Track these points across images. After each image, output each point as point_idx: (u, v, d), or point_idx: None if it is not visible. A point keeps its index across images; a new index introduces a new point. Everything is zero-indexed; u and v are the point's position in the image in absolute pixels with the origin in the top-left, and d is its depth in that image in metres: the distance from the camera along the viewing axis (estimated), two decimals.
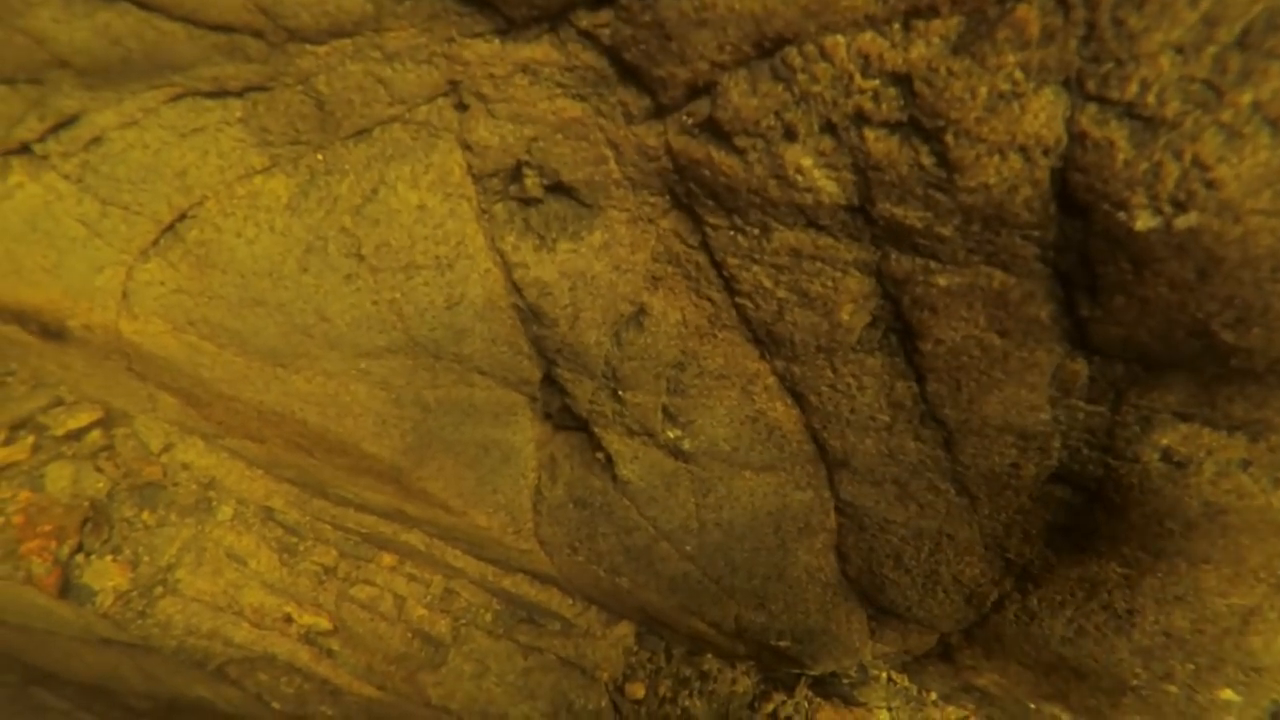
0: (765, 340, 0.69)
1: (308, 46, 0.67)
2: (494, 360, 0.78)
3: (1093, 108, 0.49)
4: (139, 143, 0.74)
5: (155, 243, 0.81)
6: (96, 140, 0.74)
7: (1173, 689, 0.83)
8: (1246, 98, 0.45)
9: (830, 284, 0.63)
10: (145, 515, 1.05)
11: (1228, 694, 0.81)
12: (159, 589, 1.02)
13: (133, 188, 0.76)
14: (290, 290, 0.78)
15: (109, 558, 1.01)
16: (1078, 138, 0.50)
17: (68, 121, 0.72)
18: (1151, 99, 0.47)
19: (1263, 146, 0.45)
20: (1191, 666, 0.80)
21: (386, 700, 1.02)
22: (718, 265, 0.66)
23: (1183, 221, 0.49)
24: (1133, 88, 0.48)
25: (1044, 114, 0.50)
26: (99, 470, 1.03)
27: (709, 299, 0.69)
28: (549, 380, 0.80)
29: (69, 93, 0.69)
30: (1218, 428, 0.64)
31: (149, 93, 0.71)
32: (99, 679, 0.73)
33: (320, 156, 0.74)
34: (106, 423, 1.05)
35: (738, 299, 0.67)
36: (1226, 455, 0.64)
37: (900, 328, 0.64)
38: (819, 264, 0.62)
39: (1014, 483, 0.73)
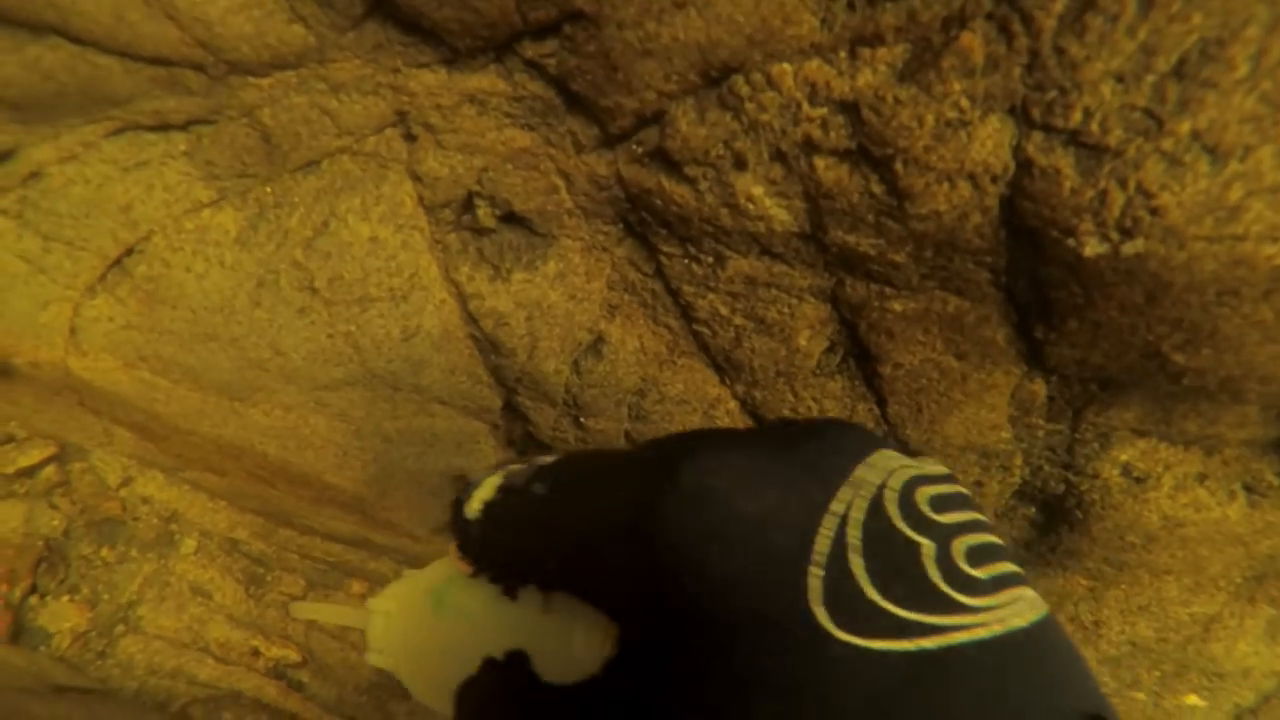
0: (725, 366, 0.68)
1: (250, 79, 0.65)
2: (454, 390, 0.77)
3: (1038, 135, 0.49)
4: (79, 177, 0.72)
5: (102, 278, 0.79)
6: (34, 175, 0.72)
7: (1140, 696, 0.84)
8: (1185, 126, 0.45)
9: (786, 310, 0.63)
10: (104, 552, 1.03)
11: (1193, 699, 0.82)
12: (120, 628, 1.00)
13: (75, 223, 0.74)
14: (243, 325, 0.76)
15: (65, 598, 0.98)
16: (1025, 165, 0.50)
17: (2, 157, 0.70)
18: (1095, 127, 0.47)
19: (1202, 175, 0.45)
20: (1157, 674, 0.81)
21: None
22: (674, 293, 0.66)
23: (1130, 248, 0.49)
24: (1076, 115, 0.48)
25: (991, 142, 0.50)
26: (54, 507, 1.01)
27: (667, 326, 0.68)
28: (510, 408, 0.79)
29: (2, 128, 0.67)
30: (1174, 443, 0.64)
31: (87, 127, 0.69)
32: None
33: (269, 189, 0.72)
34: (61, 458, 1.02)
35: (695, 326, 0.66)
36: (1184, 469, 0.65)
37: (859, 352, 0.64)
38: (774, 291, 0.62)
39: (978, 501, 0.73)
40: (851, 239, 0.57)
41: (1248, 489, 0.65)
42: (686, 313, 0.67)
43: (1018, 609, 0.25)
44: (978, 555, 0.26)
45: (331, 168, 0.70)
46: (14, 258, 0.78)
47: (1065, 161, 0.48)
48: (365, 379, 0.78)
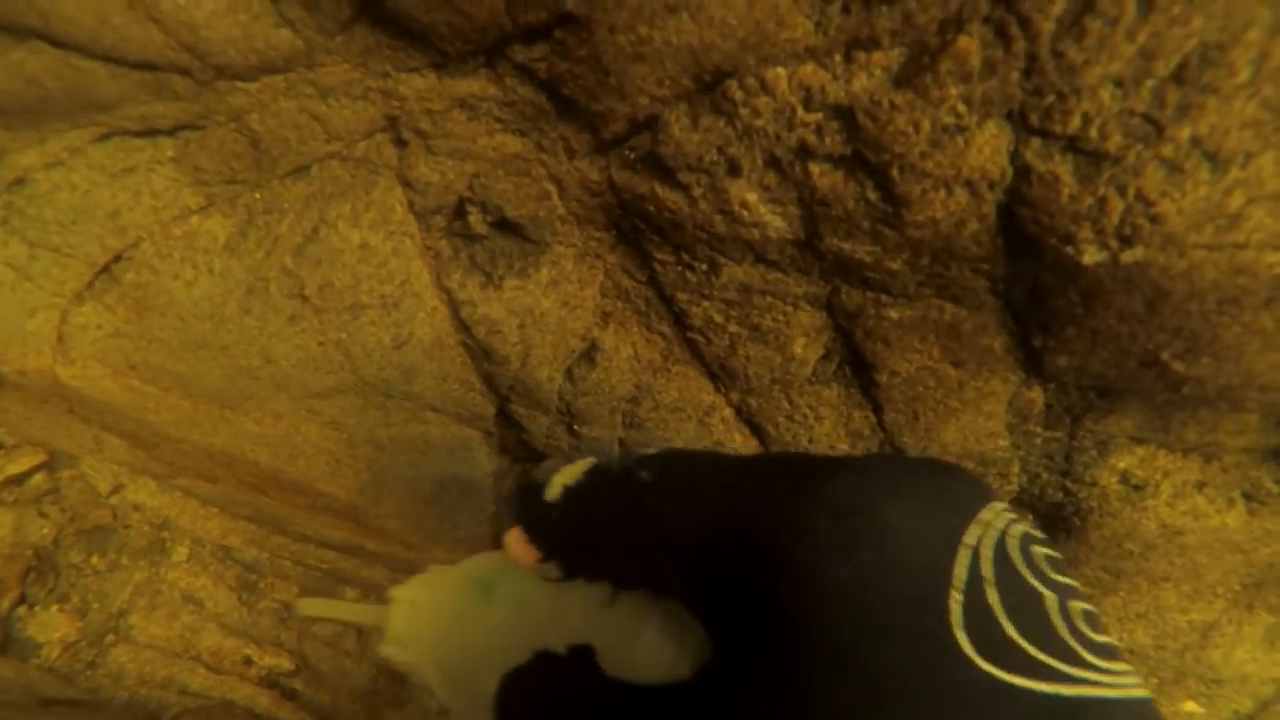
0: (720, 374, 0.68)
1: (238, 84, 0.64)
2: (446, 398, 0.76)
3: (1036, 141, 0.49)
4: (66, 183, 0.71)
5: (90, 285, 0.78)
6: (19, 181, 0.71)
7: None
8: (1185, 132, 0.44)
9: (782, 318, 0.62)
10: (95, 560, 1.02)
11: (1190, 706, 0.81)
12: (110, 637, 0.99)
13: (62, 229, 0.73)
14: (233, 332, 0.75)
15: (55, 607, 0.97)
16: (1023, 172, 0.50)
17: None
18: (1094, 133, 0.47)
19: (1203, 181, 0.45)
20: (1155, 681, 0.81)
21: None
22: (667, 300, 0.65)
23: (1129, 256, 0.48)
24: (1075, 121, 0.47)
25: (988, 148, 0.49)
26: (43, 516, 0.99)
27: (660, 334, 0.67)
28: (504, 415, 0.78)
29: None
30: (1173, 451, 0.64)
31: (73, 132, 0.68)
32: None
33: (258, 195, 0.71)
34: (50, 466, 1.01)
35: (689, 334, 0.66)
36: (1182, 477, 0.64)
37: (855, 360, 0.63)
38: (769, 299, 0.61)
39: None
40: (847, 246, 0.56)
41: (1246, 497, 0.65)
42: (680, 320, 0.66)
43: (1133, 681, 0.25)
44: (1091, 621, 0.26)
45: (321, 173, 0.69)
46: (0, 265, 0.77)
47: (1064, 168, 0.48)
48: (357, 387, 0.77)
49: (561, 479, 0.36)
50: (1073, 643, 0.25)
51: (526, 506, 0.37)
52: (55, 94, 0.65)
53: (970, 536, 0.26)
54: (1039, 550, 0.27)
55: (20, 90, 0.64)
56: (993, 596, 0.25)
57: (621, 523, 0.34)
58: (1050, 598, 0.25)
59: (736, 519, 0.30)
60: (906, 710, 0.23)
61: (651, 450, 0.35)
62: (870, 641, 0.24)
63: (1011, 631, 0.24)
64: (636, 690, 0.31)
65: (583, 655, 0.33)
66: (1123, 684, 0.24)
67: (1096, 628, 0.26)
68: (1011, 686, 0.23)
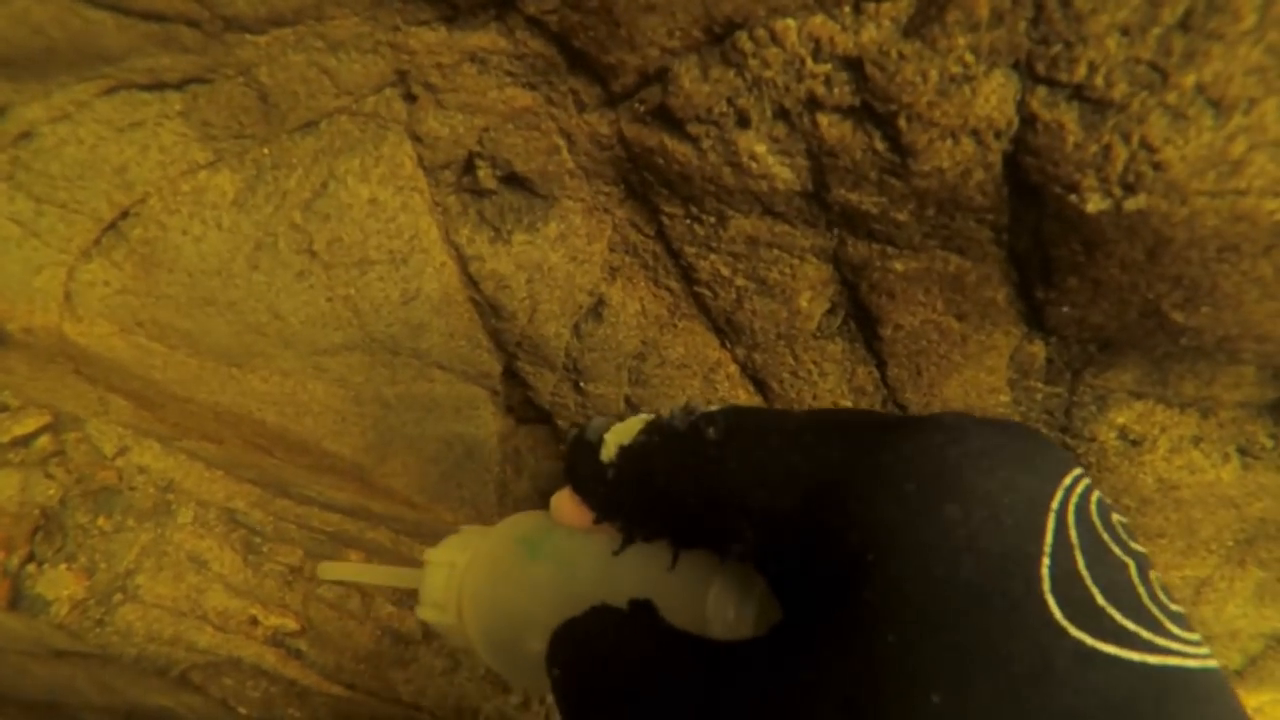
0: (726, 329, 0.68)
1: (247, 36, 0.64)
2: (453, 355, 0.76)
3: (1042, 90, 0.49)
4: (72, 138, 0.71)
5: (97, 241, 0.78)
6: (25, 135, 0.71)
7: None
8: (1190, 79, 0.45)
9: (788, 271, 0.63)
10: (101, 521, 1.03)
11: None
12: (118, 596, 1.00)
13: (69, 185, 0.73)
14: (241, 289, 0.75)
15: (63, 566, 0.98)
16: (1029, 120, 0.50)
17: None
18: (1100, 81, 0.47)
19: (1206, 128, 0.45)
20: None
21: (356, 699, 1.01)
22: (675, 254, 0.66)
23: (1132, 203, 0.49)
24: (1081, 70, 0.47)
25: (995, 97, 0.50)
26: (49, 477, 1.00)
27: (668, 289, 0.68)
28: (510, 374, 0.79)
29: None
30: (1170, 406, 0.65)
31: (80, 85, 0.68)
32: (50, 694, 0.71)
33: (266, 150, 0.71)
34: (56, 427, 1.01)
35: (696, 288, 0.66)
36: (1179, 432, 0.66)
37: (859, 314, 0.64)
38: (776, 251, 0.62)
39: None
40: (854, 197, 0.57)
41: (1241, 451, 0.66)
42: (688, 274, 0.67)
43: (1207, 650, 0.25)
44: (1166, 590, 0.26)
45: (330, 128, 0.69)
46: (6, 221, 0.77)
47: (1069, 116, 0.48)
48: (364, 343, 0.78)
49: (615, 438, 0.35)
50: (1155, 611, 0.24)
51: (580, 467, 0.36)
52: (61, 45, 0.65)
53: (1055, 501, 0.26)
54: (1116, 518, 0.27)
55: (25, 40, 0.64)
56: (1080, 562, 0.24)
57: (686, 482, 0.33)
58: (1131, 565, 0.25)
59: (814, 478, 0.29)
60: (994, 674, 0.23)
61: (714, 407, 0.34)
62: (957, 605, 0.24)
63: (1100, 599, 0.24)
64: (704, 643, 0.30)
65: (645, 608, 0.32)
66: (1199, 654, 0.24)
67: (1171, 597, 0.26)
68: (1100, 653, 0.23)
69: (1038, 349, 0.63)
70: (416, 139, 0.68)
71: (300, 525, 1.08)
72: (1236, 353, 0.57)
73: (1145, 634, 0.24)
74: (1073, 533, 0.25)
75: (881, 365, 0.67)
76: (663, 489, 0.33)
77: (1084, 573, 0.24)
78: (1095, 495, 0.27)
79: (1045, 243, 0.55)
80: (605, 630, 0.32)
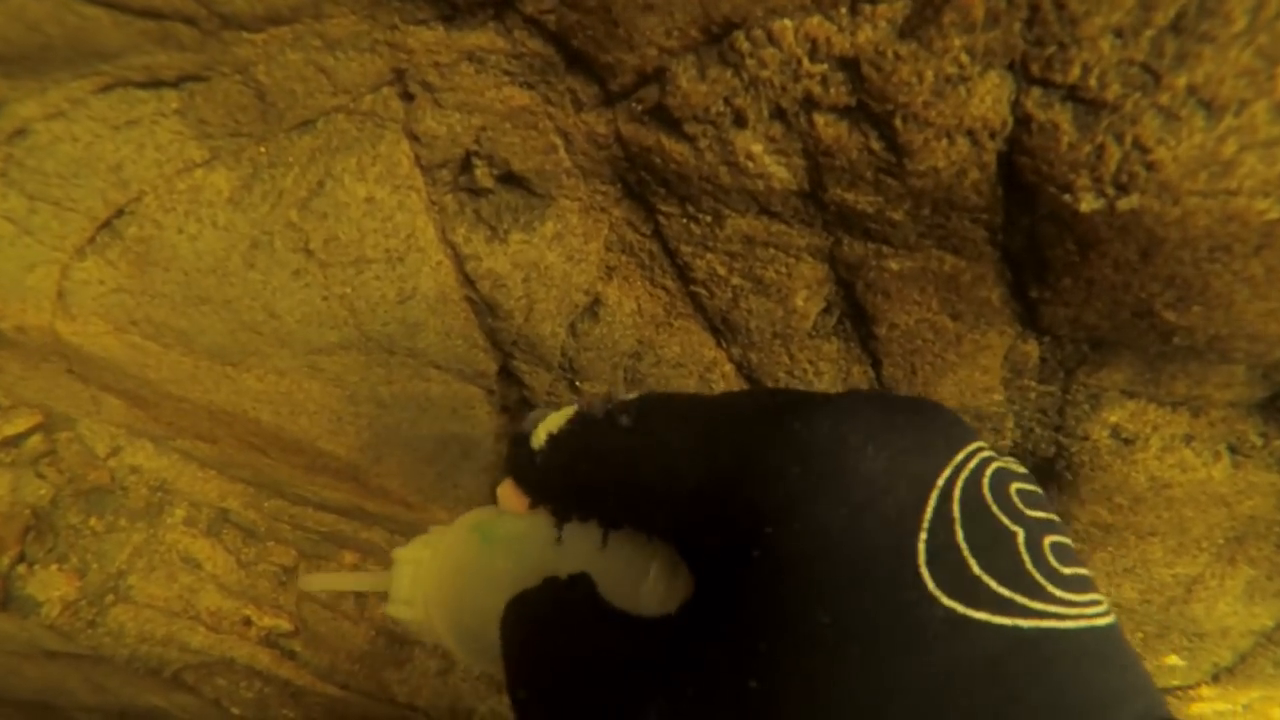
0: (721, 328, 0.69)
1: (244, 34, 0.64)
2: (449, 354, 0.76)
3: (1037, 91, 0.50)
4: (67, 135, 0.71)
5: (91, 240, 0.78)
6: (20, 132, 0.70)
7: None
8: (1182, 81, 0.46)
9: (784, 270, 0.63)
10: (93, 521, 1.02)
11: (1173, 659, 0.84)
12: (109, 597, 0.99)
13: (63, 182, 0.73)
14: (237, 287, 0.75)
15: (54, 567, 0.97)
16: (1023, 121, 0.51)
17: None
18: (1093, 82, 0.48)
19: (1198, 129, 0.46)
20: (1140, 635, 0.83)
21: (350, 700, 1.00)
22: (671, 254, 0.66)
23: (1125, 203, 0.50)
24: (1075, 71, 0.48)
25: (990, 97, 0.50)
26: (41, 477, 1.00)
27: (664, 288, 0.68)
28: (506, 373, 0.79)
29: None
30: (1162, 404, 0.65)
31: (75, 82, 0.68)
32: (42, 694, 0.71)
33: (263, 149, 0.71)
34: (47, 427, 1.01)
35: (692, 287, 0.67)
36: (1171, 431, 0.66)
37: (855, 313, 0.65)
38: (772, 250, 0.62)
39: None
40: (850, 197, 0.57)
41: (1232, 450, 0.67)
42: (684, 273, 0.67)
43: (1099, 610, 0.26)
44: (1061, 554, 0.27)
45: (327, 127, 0.69)
46: None
47: (1063, 117, 0.49)
48: (360, 343, 0.77)
49: (546, 427, 0.37)
50: (1038, 576, 0.25)
51: (514, 455, 0.38)
52: (57, 41, 0.65)
53: (942, 478, 0.27)
54: (1015, 486, 0.28)
55: (21, 37, 0.64)
56: (959, 535, 0.26)
57: (602, 468, 0.34)
58: (1019, 533, 0.26)
59: (714, 460, 0.30)
60: (866, 647, 0.24)
61: (632, 395, 0.36)
62: (836, 584, 0.25)
63: (976, 568, 0.25)
64: (631, 619, 0.32)
65: (583, 581, 0.34)
66: (1085, 614, 0.25)
67: (1067, 560, 0.27)
68: (971, 620, 0.24)
69: (1031, 348, 0.64)
70: (414, 138, 0.68)
71: (294, 525, 1.08)
72: (1228, 352, 0.58)
73: (1021, 599, 0.25)
74: (955, 507, 0.26)
75: (876, 364, 0.68)
76: (584, 474, 0.35)
77: (962, 545, 0.25)
78: (993, 468, 0.28)
79: (1039, 242, 0.55)
80: (549, 600, 0.34)
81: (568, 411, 0.37)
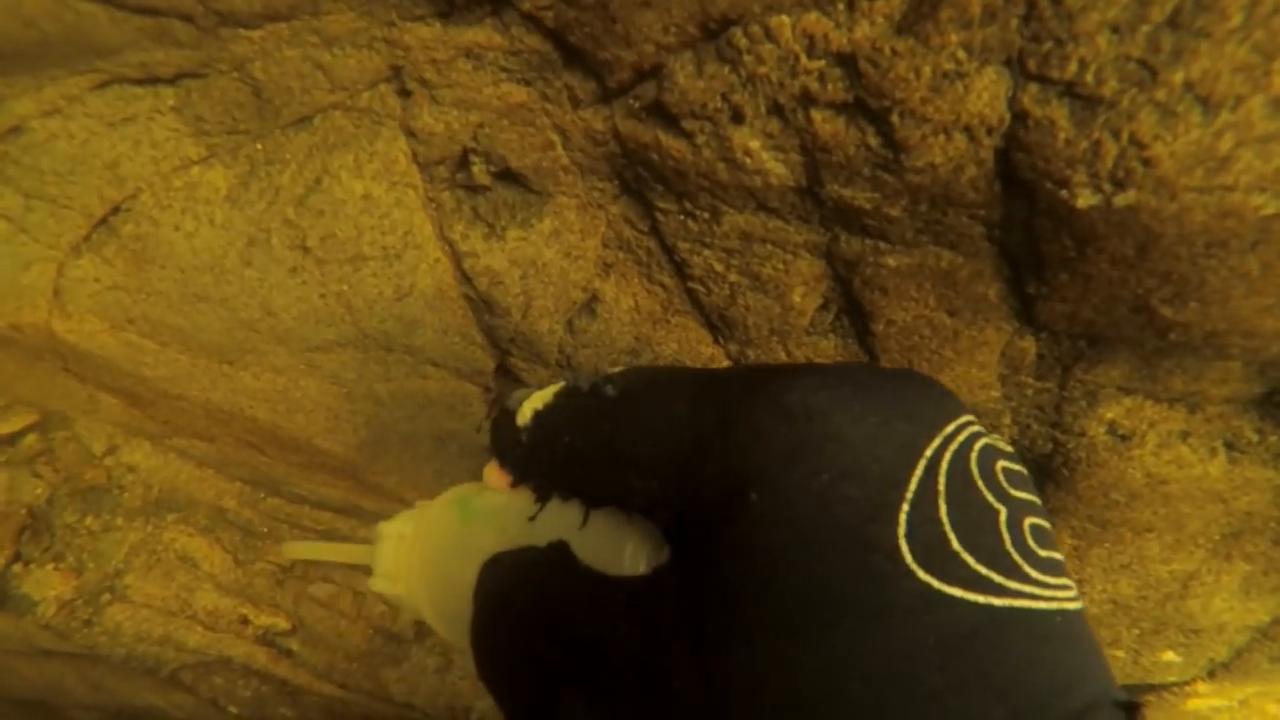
0: (719, 325, 0.69)
1: (241, 31, 0.64)
2: (447, 351, 0.76)
3: (1034, 87, 0.50)
4: (63, 132, 0.71)
5: (87, 238, 0.77)
6: (15, 129, 0.70)
7: (1120, 654, 0.86)
8: (1179, 76, 0.46)
9: (781, 267, 0.63)
10: (89, 520, 1.02)
11: (1169, 655, 0.84)
12: (106, 596, 0.99)
13: (59, 180, 0.73)
14: (234, 285, 0.75)
15: (50, 566, 0.97)
16: (1020, 117, 0.51)
17: None
18: (1090, 78, 0.48)
19: (1194, 125, 0.46)
20: (1137, 631, 0.83)
21: (348, 698, 1.00)
22: (669, 250, 0.66)
23: (1122, 199, 0.50)
24: (1072, 67, 0.48)
25: (987, 93, 0.50)
26: (37, 476, 0.99)
27: (661, 284, 0.68)
28: (503, 370, 0.79)
29: None
30: (1159, 400, 0.65)
31: (71, 79, 0.68)
32: (38, 693, 0.71)
33: (260, 146, 0.71)
34: (43, 426, 1.01)
35: (690, 284, 0.67)
36: (1167, 427, 0.66)
37: (852, 309, 0.65)
38: (770, 247, 0.62)
39: None
40: (847, 193, 0.57)
41: (1228, 446, 0.67)
42: (681, 270, 0.67)
43: (1069, 594, 0.26)
44: (1039, 537, 0.27)
45: (324, 124, 0.69)
46: None
47: (1060, 113, 0.49)
48: (358, 340, 0.77)
49: (531, 404, 0.37)
50: (1016, 556, 0.25)
51: (498, 433, 0.38)
52: (54, 38, 0.65)
53: (930, 449, 0.27)
54: (1001, 464, 0.28)
55: (17, 33, 0.64)
56: (942, 509, 0.25)
57: (586, 438, 0.34)
58: (1002, 512, 0.26)
59: (694, 426, 0.30)
60: (837, 616, 0.24)
61: (618, 369, 0.36)
62: (814, 549, 0.25)
63: (955, 544, 0.25)
64: (604, 578, 0.32)
65: (561, 547, 0.33)
66: (1055, 596, 0.25)
67: (1045, 544, 0.27)
68: (945, 595, 0.24)
69: (1029, 344, 0.64)
70: (411, 135, 0.68)
71: (291, 524, 1.08)
72: (1224, 348, 0.58)
73: (997, 578, 0.25)
74: (941, 480, 0.26)
75: (874, 360, 0.68)
76: (568, 446, 0.35)
77: (944, 519, 0.25)
78: (981, 443, 0.28)
79: (1036, 238, 0.55)
80: (524, 561, 0.34)
81: (554, 387, 0.37)
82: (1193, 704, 0.91)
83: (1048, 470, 0.72)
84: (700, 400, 0.31)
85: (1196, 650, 0.84)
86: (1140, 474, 0.68)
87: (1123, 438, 0.67)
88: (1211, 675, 0.88)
